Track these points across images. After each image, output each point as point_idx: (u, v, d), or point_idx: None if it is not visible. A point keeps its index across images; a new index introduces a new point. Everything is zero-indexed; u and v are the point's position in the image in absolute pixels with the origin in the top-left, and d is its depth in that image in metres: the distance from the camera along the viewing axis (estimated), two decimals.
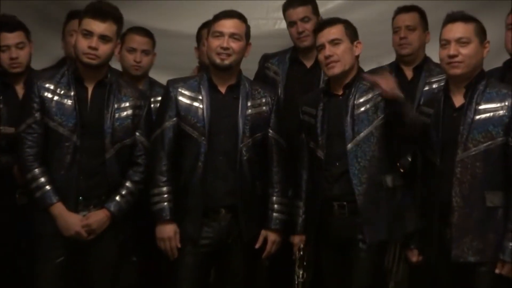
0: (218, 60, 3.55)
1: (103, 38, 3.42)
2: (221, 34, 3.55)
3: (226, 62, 3.55)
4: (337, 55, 3.51)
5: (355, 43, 3.59)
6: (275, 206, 3.67)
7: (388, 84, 3.32)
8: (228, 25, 3.57)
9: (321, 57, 3.56)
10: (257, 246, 3.64)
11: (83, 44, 3.42)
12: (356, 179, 3.47)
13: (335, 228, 3.52)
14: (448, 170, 3.34)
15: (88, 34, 3.41)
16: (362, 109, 3.52)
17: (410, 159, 3.74)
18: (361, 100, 3.53)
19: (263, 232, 3.66)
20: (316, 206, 3.56)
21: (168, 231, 3.55)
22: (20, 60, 3.90)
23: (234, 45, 3.56)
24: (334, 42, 3.53)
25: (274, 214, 3.66)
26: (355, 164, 3.48)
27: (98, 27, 3.41)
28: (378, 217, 3.48)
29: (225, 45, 3.53)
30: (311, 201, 3.64)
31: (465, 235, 3.31)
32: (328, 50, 3.51)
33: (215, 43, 3.56)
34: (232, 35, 3.56)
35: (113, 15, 3.45)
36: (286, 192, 3.70)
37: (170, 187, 3.56)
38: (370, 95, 3.52)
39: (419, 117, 3.44)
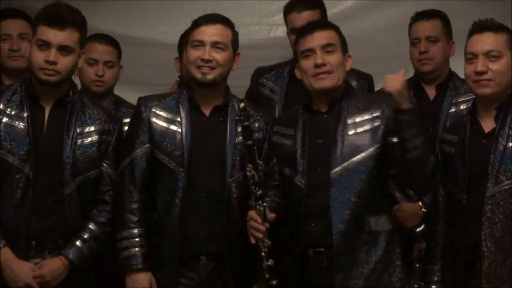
0: (199, 75, 3.29)
1: (63, 49, 3.20)
2: (201, 44, 3.30)
3: (209, 77, 3.28)
4: (331, 65, 3.24)
5: (346, 55, 3.34)
6: None
7: (393, 82, 3.10)
8: (209, 33, 3.31)
9: (308, 64, 3.25)
10: None
11: (38, 57, 3.20)
12: (338, 214, 3.15)
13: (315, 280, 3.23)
14: (476, 208, 3.14)
15: (44, 45, 3.20)
16: (359, 130, 3.23)
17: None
18: (357, 120, 3.24)
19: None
20: (294, 254, 3.24)
21: (141, 281, 3.24)
22: None
23: (218, 56, 3.30)
24: (327, 49, 3.26)
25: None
26: (338, 196, 3.18)
27: (56, 36, 3.19)
28: (353, 263, 3.17)
29: (206, 56, 3.27)
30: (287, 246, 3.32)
31: (497, 287, 3.10)
32: (320, 57, 3.24)
33: (194, 54, 3.30)
34: (215, 44, 3.30)
35: (73, 21, 3.22)
36: None
37: (143, 228, 3.27)
38: (367, 116, 3.23)
39: (426, 152, 3.15)
